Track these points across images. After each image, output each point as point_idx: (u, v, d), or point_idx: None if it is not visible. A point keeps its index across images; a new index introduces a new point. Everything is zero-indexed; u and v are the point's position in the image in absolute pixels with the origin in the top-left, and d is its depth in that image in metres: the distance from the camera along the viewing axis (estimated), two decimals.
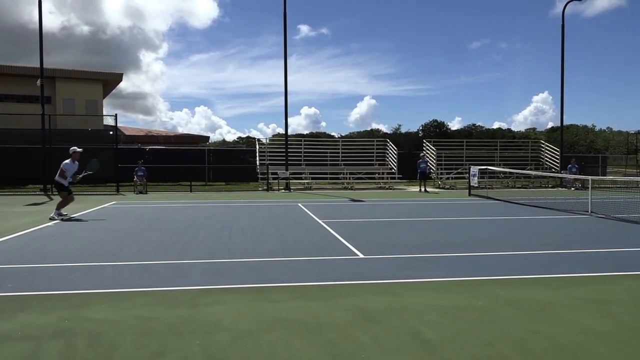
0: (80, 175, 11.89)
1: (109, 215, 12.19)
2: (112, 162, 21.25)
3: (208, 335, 3.82)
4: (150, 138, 43.38)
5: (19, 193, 19.59)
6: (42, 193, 19.27)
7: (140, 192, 20.07)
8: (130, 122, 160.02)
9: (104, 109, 37.95)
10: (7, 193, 19.44)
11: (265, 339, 3.74)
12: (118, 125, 21.93)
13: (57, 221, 10.74)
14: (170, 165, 25.11)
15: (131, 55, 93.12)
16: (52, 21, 75.44)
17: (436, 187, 24.44)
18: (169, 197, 17.96)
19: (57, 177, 11.61)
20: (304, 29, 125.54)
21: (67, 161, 11.62)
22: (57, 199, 16.90)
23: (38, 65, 20.53)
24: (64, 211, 11.50)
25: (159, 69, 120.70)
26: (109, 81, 38.18)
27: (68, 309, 4.46)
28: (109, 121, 29.07)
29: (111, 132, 22.76)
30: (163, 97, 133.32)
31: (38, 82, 20.44)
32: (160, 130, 56.91)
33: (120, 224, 10.35)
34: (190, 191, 21.08)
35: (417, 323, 4.11)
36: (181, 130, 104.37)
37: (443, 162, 27.12)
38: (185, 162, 25.45)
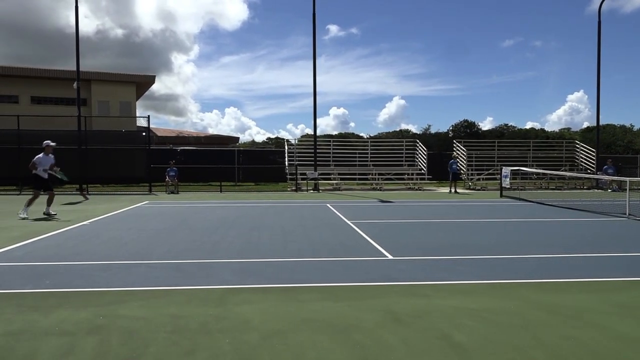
0: (57, 169, 12.13)
1: (142, 214, 12.46)
2: (144, 163, 21.71)
3: (237, 334, 3.86)
4: (182, 139, 44.16)
5: (56, 192, 20.18)
6: (78, 193, 19.82)
7: (172, 192, 20.44)
8: (163, 123, 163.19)
9: (137, 110, 38.83)
10: (45, 192, 20.06)
11: (294, 339, 3.76)
12: (150, 126, 22.41)
13: (24, 217, 11.11)
14: (200, 165, 25.50)
15: (163, 57, 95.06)
16: (88, 25, 77.63)
17: (467, 189, 24.09)
18: (200, 197, 18.23)
19: (34, 171, 11.78)
20: (333, 29, 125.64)
21: (39, 155, 11.88)
22: (93, 198, 17.42)
23: (74, 69, 21.17)
24: (52, 211, 11.67)
25: (190, 71, 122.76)
26: (142, 83, 39.06)
27: (102, 306, 4.58)
28: (142, 122, 29.77)
29: (144, 133, 23.26)
30: (194, 99, 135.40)
31: (75, 84, 21.06)
32: (191, 131, 57.90)
33: (152, 224, 10.56)
34: (220, 191, 21.36)
35: (447, 326, 4.06)
36: (211, 131, 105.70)
37: (474, 163, 26.71)
38: (215, 163, 25.80)
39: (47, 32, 77.81)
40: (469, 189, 24.13)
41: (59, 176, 12.27)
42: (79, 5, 20.88)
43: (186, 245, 7.86)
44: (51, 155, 11.97)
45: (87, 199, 17.13)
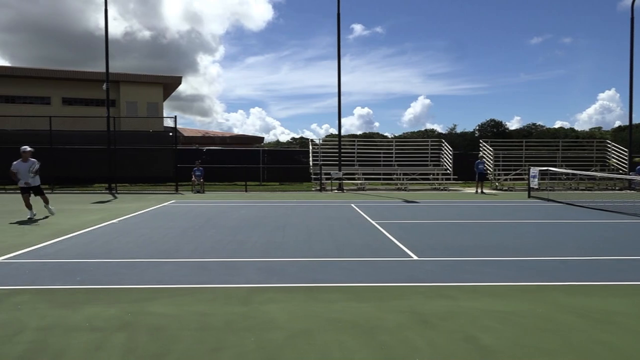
0: (32, 174, 11.30)
1: (169, 213, 12.66)
2: (171, 163, 22.04)
3: (263, 333, 3.89)
4: (207, 139, 44.70)
5: (86, 192, 20.70)
6: (108, 192, 20.27)
7: (198, 192, 20.71)
8: (189, 123, 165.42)
9: (164, 111, 39.45)
10: (76, 191, 20.60)
11: (318, 339, 3.77)
12: (177, 126, 22.73)
13: (32, 217, 11.10)
14: (226, 165, 25.76)
15: (189, 58, 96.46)
16: (116, 27, 79.31)
17: (493, 189, 23.73)
18: (225, 197, 18.42)
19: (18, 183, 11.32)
20: (358, 28, 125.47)
21: (15, 162, 11.32)
22: (123, 197, 17.79)
23: (104, 70, 21.61)
24: (30, 214, 11.16)
25: (215, 72, 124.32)
26: (169, 84, 39.67)
27: (131, 303, 4.67)
28: (168, 123, 30.25)
29: (171, 134, 23.61)
30: (219, 99, 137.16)
31: (104, 86, 21.51)
32: (217, 131, 58.56)
33: (178, 222, 10.72)
34: (246, 191, 21.53)
35: (474, 328, 4.01)
36: (236, 131, 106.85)
37: (501, 163, 26.30)
38: (240, 163, 26.02)
39: (77, 35, 79.84)
40: (496, 189, 23.77)
41: (30, 181, 11.36)
42: (107, 7, 21.32)
43: (212, 244, 7.95)
44: (30, 160, 11.31)
45: (116, 197, 17.49)
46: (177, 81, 40.07)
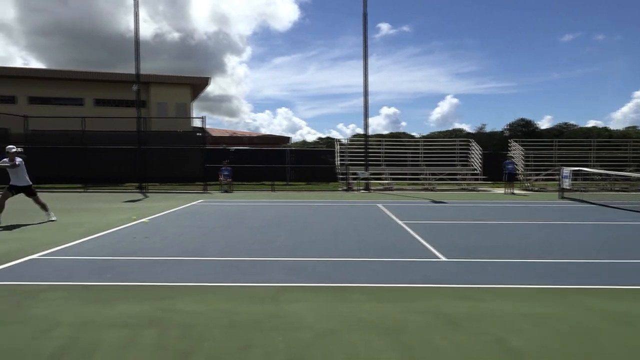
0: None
1: (197, 212, 12.84)
2: (200, 162, 22.35)
3: (290, 332, 3.91)
4: (235, 139, 45.15)
5: (117, 190, 21.18)
6: (138, 191, 20.69)
7: (226, 191, 20.94)
8: (217, 123, 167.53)
9: (192, 111, 40.03)
10: (108, 191, 21.10)
11: (346, 339, 3.77)
12: (205, 126, 23.05)
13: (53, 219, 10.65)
14: (253, 165, 25.98)
15: (217, 59, 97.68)
16: (146, 29, 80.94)
17: (523, 189, 23.29)
18: (252, 196, 18.59)
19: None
20: (384, 27, 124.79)
21: (5, 159, 10.50)
22: (153, 197, 18.14)
23: (134, 72, 22.07)
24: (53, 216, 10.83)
25: (242, 72, 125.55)
26: (197, 85, 40.25)
27: (161, 300, 4.76)
28: (197, 123, 30.68)
29: (199, 134, 23.96)
30: (246, 99, 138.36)
31: (134, 87, 21.96)
32: (244, 131, 59.09)
33: (207, 222, 10.86)
34: (272, 190, 21.67)
35: (502, 330, 3.95)
36: (263, 131, 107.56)
37: (531, 163, 25.78)
38: (267, 162, 26.21)
39: (108, 37, 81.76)
40: (526, 189, 23.31)
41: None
42: (138, 10, 21.76)
43: (239, 243, 8.04)
44: (17, 160, 10.55)
45: (146, 196, 17.85)
46: (205, 82, 40.61)
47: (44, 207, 10.91)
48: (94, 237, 8.52)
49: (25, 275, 5.83)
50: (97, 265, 6.31)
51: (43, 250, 7.25)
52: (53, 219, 10.76)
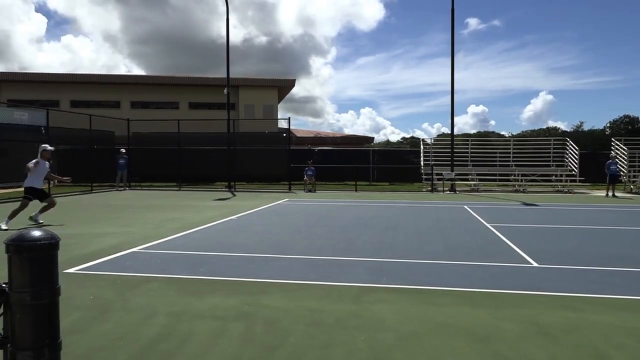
0: (58, 179, 10.57)
1: (282, 211, 13.17)
2: (285, 162, 22.92)
3: (372, 333, 3.90)
4: (319, 139, 45.76)
5: (209, 189, 22.28)
6: (227, 189, 21.63)
7: (310, 191, 21.29)
8: (301, 124, 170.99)
9: (278, 112, 41.12)
10: (200, 189, 22.26)
11: (429, 343, 3.69)
12: (290, 127, 23.58)
13: (38, 222, 9.93)
14: (336, 165, 26.18)
15: (302, 61, 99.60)
16: (236, 35, 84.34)
17: (627, 192, 21.45)
18: (335, 196, 18.74)
19: (25, 182, 10.06)
20: (473, 22, 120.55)
21: (34, 160, 9.96)
22: (241, 195, 18.91)
23: (225, 76, 23.09)
24: (40, 219, 10.15)
25: (327, 73, 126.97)
26: (283, 87, 41.24)
27: (248, 295, 4.94)
28: (282, 124, 31.49)
29: (284, 134, 24.54)
30: (330, 100, 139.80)
31: (225, 90, 22.98)
32: (328, 131, 59.71)
33: (291, 220, 11.12)
34: (356, 191, 21.71)
35: (603, 344, 3.66)
36: (347, 131, 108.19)
37: (637, 164, 23.67)
38: (350, 163, 26.28)
39: (201, 43, 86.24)
40: (631, 192, 21.44)
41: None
42: (229, 17, 22.75)
43: (323, 242, 8.14)
44: (47, 163, 10.19)
45: (234, 195, 18.60)
46: (291, 84, 41.54)
47: (44, 210, 10.28)
48: (188, 233, 9.03)
49: (127, 267, 6.31)
50: (191, 260, 6.68)
51: (142, 244, 7.81)
52: (41, 221, 10.02)
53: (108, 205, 14.32)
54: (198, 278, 5.67)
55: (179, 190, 21.71)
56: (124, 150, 21.88)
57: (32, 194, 10.04)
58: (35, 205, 10.21)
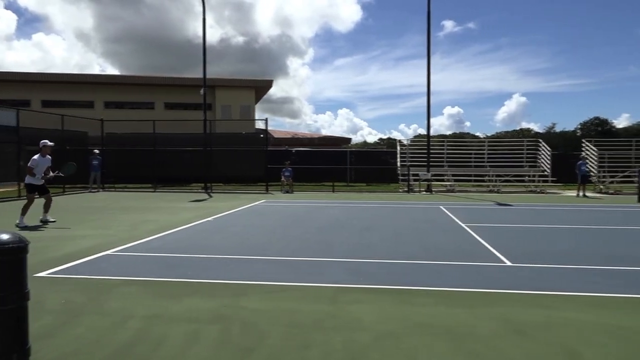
0: (52, 175, 10.60)
1: (259, 212, 13.11)
2: (262, 163, 22.82)
3: (349, 333, 3.91)
4: (296, 140, 45.73)
5: (185, 191, 22.03)
6: (203, 191, 21.42)
7: (287, 192, 21.24)
8: (279, 125, 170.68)
9: (255, 113, 40.93)
10: (176, 190, 21.99)
11: (406, 343, 3.72)
12: (268, 128, 23.51)
13: (24, 226, 9.71)
14: (314, 166, 26.19)
15: (280, 61, 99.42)
16: (213, 35, 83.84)
17: (597, 192, 22.00)
18: (313, 197, 18.74)
19: (26, 179, 10.40)
20: (449, 25, 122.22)
21: (35, 156, 10.26)
22: (218, 196, 18.74)
23: (201, 76, 22.88)
24: (50, 217, 10.45)
25: (304, 74, 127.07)
26: (261, 87, 41.07)
27: (225, 297, 4.90)
28: (259, 125, 31.39)
29: (262, 135, 24.45)
30: (308, 101, 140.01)
31: (201, 91, 22.75)
32: (305, 132, 59.76)
33: (269, 221, 11.07)
34: (333, 191, 21.75)
35: (576, 341, 3.74)
36: (324, 132, 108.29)
37: (606, 164, 24.30)
38: (328, 163, 26.34)
39: (177, 43, 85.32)
40: (600, 192, 22.00)
41: (64, 173, 10.89)
42: (205, 17, 22.54)
43: (300, 243, 8.13)
44: (48, 157, 10.42)
45: (211, 196, 18.43)
46: (268, 84, 41.39)
47: (47, 207, 10.54)
48: (164, 235, 8.91)
49: (101, 269, 6.19)
50: (167, 262, 6.59)
51: (117, 247, 7.67)
52: (19, 223, 9.88)
53: (81, 207, 14.04)
54: (174, 280, 5.59)
55: (155, 191, 21.41)
56: (97, 151, 21.50)
57: (32, 189, 10.34)
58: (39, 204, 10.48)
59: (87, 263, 6.54)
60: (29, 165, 10.24)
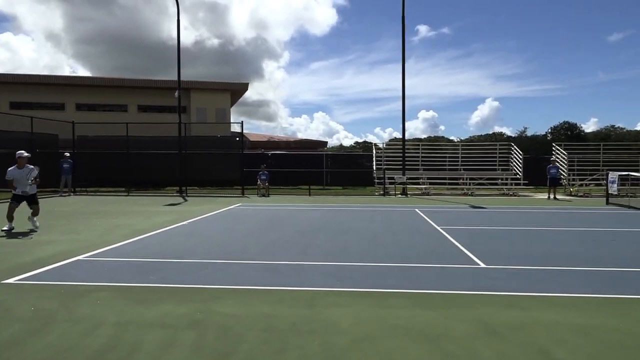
0: (31, 181, 10.07)
1: (235, 216, 13.01)
2: (238, 166, 22.67)
3: (327, 336, 3.90)
4: (272, 143, 45.57)
5: (159, 194, 21.72)
6: (178, 194, 21.15)
7: (263, 195, 21.14)
8: (254, 128, 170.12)
9: (231, 116, 40.66)
10: (150, 194, 21.65)
11: (382, 345, 3.73)
12: (243, 131, 23.38)
13: (9, 228, 9.73)
14: (290, 169, 26.15)
15: (255, 64, 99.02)
16: (187, 37, 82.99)
17: (567, 195, 22.54)
18: (289, 200, 18.69)
19: (13, 191, 10.15)
20: (423, 29, 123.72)
21: (10, 169, 10.00)
22: (193, 200, 18.53)
23: (176, 78, 22.62)
24: (8, 226, 9.84)
25: (280, 77, 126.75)
26: (236, 90, 40.82)
27: (200, 302, 4.84)
28: (235, 128, 31.20)
29: (237, 138, 24.29)
30: (284, 104, 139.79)
31: (176, 93, 22.48)
32: (281, 135, 59.61)
33: (245, 225, 11.00)
34: (309, 195, 21.74)
35: (547, 341, 3.82)
36: (300, 135, 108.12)
37: (575, 168, 24.93)
38: (304, 167, 26.33)
39: (151, 45, 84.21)
40: (570, 195, 22.55)
41: (28, 189, 10.07)
42: (179, 19, 22.31)
43: (277, 247, 8.09)
44: (27, 167, 10.07)
45: (186, 200, 18.21)
46: (244, 87, 41.17)
47: (33, 215, 10.23)
48: (137, 239, 8.76)
49: (72, 276, 6.04)
50: (140, 267, 6.48)
51: (89, 252, 7.51)
52: (8, 228, 9.79)
53: (51, 212, 13.69)
54: (147, 286, 5.50)
55: (128, 195, 21.04)
56: (68, 154, 21.03)
57: (17, 200, 10.08)
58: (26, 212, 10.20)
59: (57, 269, 6.38)
60: (7, 177, 10.01)
